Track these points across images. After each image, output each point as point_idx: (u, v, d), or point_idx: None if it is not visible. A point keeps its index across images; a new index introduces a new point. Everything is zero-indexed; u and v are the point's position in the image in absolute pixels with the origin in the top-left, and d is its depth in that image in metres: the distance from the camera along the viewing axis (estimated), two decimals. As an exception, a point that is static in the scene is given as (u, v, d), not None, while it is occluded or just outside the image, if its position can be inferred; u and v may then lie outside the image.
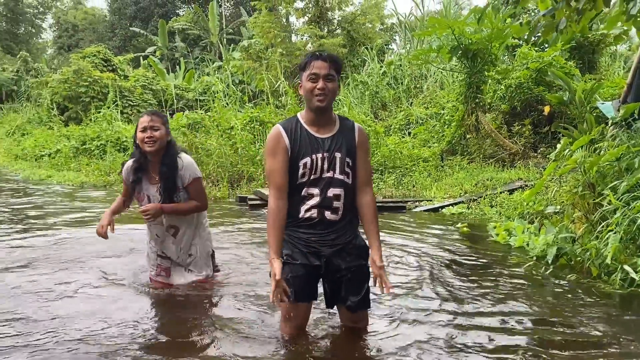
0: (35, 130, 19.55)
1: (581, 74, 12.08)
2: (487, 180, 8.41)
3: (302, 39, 24.74)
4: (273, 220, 2.57)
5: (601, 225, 4.47)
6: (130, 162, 3.71)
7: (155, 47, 34.34)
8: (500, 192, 7.52)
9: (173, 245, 3.80)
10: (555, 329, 3.13)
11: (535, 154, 9.68)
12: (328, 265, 2.66)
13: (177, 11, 40.84)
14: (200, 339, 2.96)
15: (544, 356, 2.70)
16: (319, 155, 2.60)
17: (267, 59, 21.15)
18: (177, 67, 29.84)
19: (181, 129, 11.54)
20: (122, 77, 21.89)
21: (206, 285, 3.86)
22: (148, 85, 21.75)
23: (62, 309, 3.41)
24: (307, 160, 2.59)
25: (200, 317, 3.36)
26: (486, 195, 7.66)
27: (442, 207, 7.72)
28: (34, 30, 48.79)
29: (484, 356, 2.71)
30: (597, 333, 3.06)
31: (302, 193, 2.61)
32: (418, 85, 15.26)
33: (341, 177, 2.62)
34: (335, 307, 2.89)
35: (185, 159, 3.68)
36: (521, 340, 2.92)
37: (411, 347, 2.79)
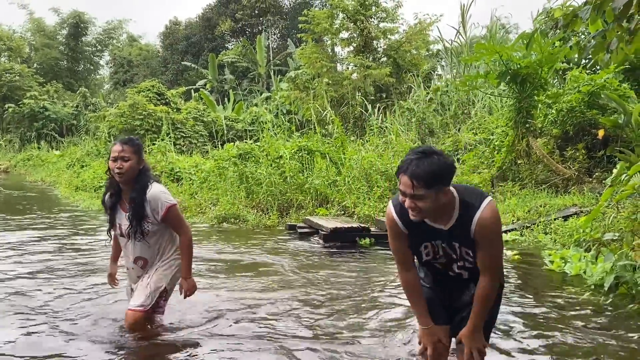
0: (94, 162, 20.48)
1: (637, 96, 11.72)
2: (540, 206, 8.22)
3: (347, 68, 25.12)
4: (409, 293, 2.71)
5: (664, 253, 4.31)
6: (106, 194, 3.69)
7: (206, 80, 35.58)
8: (555, 219, 7.34)
9: (138, 279, 3.69)
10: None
11: (590, 179, 9.40)
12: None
13: (226, 45, 42.27)
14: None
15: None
16: (438, 242, 2.60)
17: (313, 88, 21.55)
18: (226, 98, 30.76)
19: (232, 159, 11.86)
20: (174, 110, 22.75)
21: (130, 320, 3.60)
22: (199, 117, 22.50)
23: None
24: (427, 244, 2.63)
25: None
26: (540, 222, 7.49)
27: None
28: (92, 67, 51.46)
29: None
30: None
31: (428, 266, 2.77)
32: (466, 111, 15.16)
33: (460, 267, 2.64)
34: None
35: (154, 188, 3.54)
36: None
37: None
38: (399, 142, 11.88)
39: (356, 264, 6.33)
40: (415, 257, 2.72)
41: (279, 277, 5.67)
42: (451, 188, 2.47)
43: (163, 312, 3.79)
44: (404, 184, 2.36)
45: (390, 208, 2.60)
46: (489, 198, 2.49)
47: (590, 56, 6.68)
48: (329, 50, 26.06)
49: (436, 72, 21.65)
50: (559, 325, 3.77)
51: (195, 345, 3.63)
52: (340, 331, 3.83)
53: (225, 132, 21.77)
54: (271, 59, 35.50)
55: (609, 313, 4.05)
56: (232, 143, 16.05)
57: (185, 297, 3.66)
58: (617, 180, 5.96)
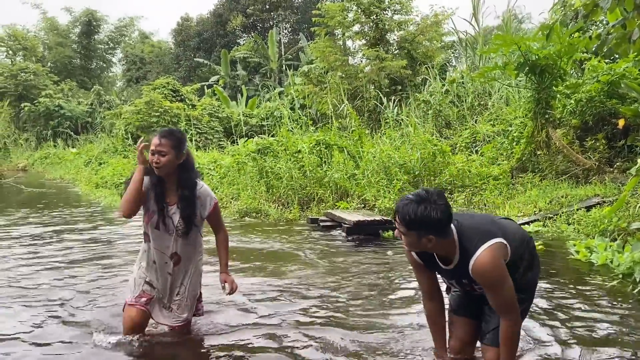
0: (112, 159, 20.72)
1: (658, 83, 11.62)
2: (562, 197, 8.23)
3: (361, 61, 25.10)
4: (430, 322, 2.95)
5: (694, 242, 4.34)
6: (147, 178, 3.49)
7: (218, 76, 35.74)
8: (577, 209, 7.36)
9: (168, 277, 3.57)
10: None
11: (612, 169, 9.38)
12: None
13: (237, 40, 42.36)
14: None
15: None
16: (448, 277, 2.83)
17: (327, 82, 21.58)
18: (239, 94, 30.89)
19: (251, 154, 11.97)
20: (190, 107, 22.92)
21: (184, 331, 3.66)
22: (214, 113, 22.66)
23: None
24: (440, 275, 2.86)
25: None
26: (562, 213, 7.51)
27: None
28: (104, 65, 51.90)
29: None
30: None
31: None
32: (482, 103, 15.11)
33: (481, 289, 2.68)
34: None
35: (201, 184, 3.55)
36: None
37: None
38: (417, 135, 11.90)
39: (381, 254, 6.42)
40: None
41: (307, 265, 5.79)
42: (453, 229, 2.56)
43: (202, 314, 3.86)
44: (398, 233, 2.62)
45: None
46: (490, 242, 2.51)
47: (612, 47, 6.69)
48: (342, 44, 26.06)
49: (451, 64, 21.56)
50: (590, 315, 3.82)
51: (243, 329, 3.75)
52: (373, 320, 3.92)
53: (242, 127, 21.91)
54: (283, 53, 35.54)
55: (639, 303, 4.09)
56: (249, 138, 16.17)
57: (229, 294, 3.67)
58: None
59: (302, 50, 33.57)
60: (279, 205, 10.27)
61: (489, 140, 12.33)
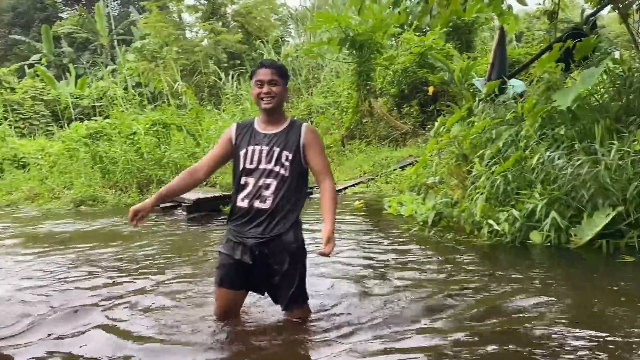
0: None
1: (460, 53, 13.27)
2: (383, 159, 9.20)
3: (197, 35, 24.61)
4: (180, 176, 2.97)
5: (470, 189, 5.27)
6: None
7: (41, 54, 32.43)
8: (394, 169, 8.31)
9: None
10: (434, 274, 3.81)
11: (424, 132, 10.64)
12: (257, 263, 2.83)
13: (60, 15, 38.65)
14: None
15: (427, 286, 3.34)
16: (257, 148, 2.88)
17: (163, 58, 20.90)
18: (67, 73, 28.48)
19: (82, 140, 11.36)
20: (8, 90, 20.67)
21: None
22: (39, 96, 20.71)
23: None
24: (245, 150, 2.89)
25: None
26: (382, 174, 8.42)
27: (345, 188, 8.39)
28: None
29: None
30: (465, 276, 3.78)
31: (241, 182, 2.89)
32: (316, 76, 15.92)
33: (276, 168, 2.82)
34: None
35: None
36: (411, 276, 3.55)
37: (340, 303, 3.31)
38: (253, 109, 12.24)
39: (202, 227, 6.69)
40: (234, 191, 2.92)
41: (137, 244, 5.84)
42: None
43: None
44: (264, 73, 2.81)
45: (235, 123, 3.09)
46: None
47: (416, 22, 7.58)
48: (176, 18, 25.26)
49: (285, 39, 22.14)
50: (402, 258, 4.50)
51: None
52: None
53: (72, 110, 20.37)
54: (113, 28, 33.31)
55: (433, 244, 4.90)
56: (80, 122, 15.19)
57: None
58: (438, 132, 6.97)
59: (134, 24, 31.82)
60: (116, 191, 9.98)
61: (322, 112, 13.14)
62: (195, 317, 3.22)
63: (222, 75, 18.42)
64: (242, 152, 2.87)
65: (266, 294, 3.06)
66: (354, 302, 3.36)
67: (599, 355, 2.40)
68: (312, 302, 3.17)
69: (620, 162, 4.19)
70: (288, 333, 2.93)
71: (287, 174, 2.83)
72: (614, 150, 4.22)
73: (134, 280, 4.24)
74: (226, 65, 21.38)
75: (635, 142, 4.25)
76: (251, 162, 2.85)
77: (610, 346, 2.49)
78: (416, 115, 10.93)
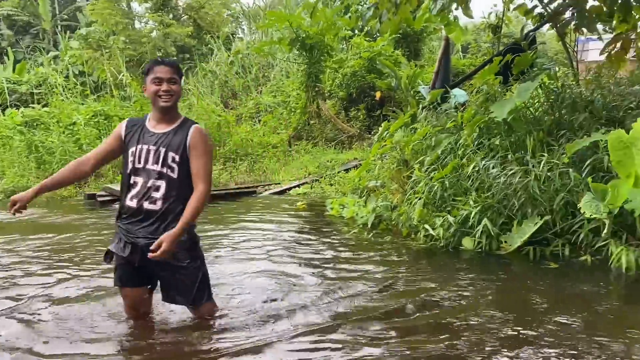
0: None
1: (408, 61, 13.54)
2: (329, 161, 9.26)
3: (146, 26, 23.97)
4: (68, 166, 2.91)
5: (409, 194, 5.39)
6: None
7: (-24, 35, 30.72)
8: (338, 172, 8.39)
9: None
10: (367, 275, 3.87)
11: (370, 136, 10.79)
12: (149, 262, 2.71)
13: (-1, -6, 36.69)
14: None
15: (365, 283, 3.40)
16: (145, 147, 2.81)
17: (109, 47, 20.25)
18: (6, 57, 27.08)
19: (17, 128, 10.83)
20: (-63, 71, 19.44)
21: None
22: (-29, 79, 19.57)
23: None
24: (134, 149, 2.83)
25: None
26: (326, 175, 8.48)
27: (289, 188, 8.39)
28: None
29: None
30: (395, 276, 3.87)
31: (130, 181, 2.82)
32: (266, 74, 15.84)
33: (164, 170, 2.78)
34: None
35: None
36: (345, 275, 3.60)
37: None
38: (201, 105, 12.05)
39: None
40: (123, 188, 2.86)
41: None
42: None
43: None
44: (162, 71, 2.78)
45: (128, 118, 3.02)
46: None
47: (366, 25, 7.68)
48: (125, 6, 24.51)
49: (237, 35, 21.93)
50: (342, 256, 4.55)
51: None
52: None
53: (7, 95, 19.36)
54: (57, 12, 31.98)
55: (371, 245, 4.99)
56: (16, 109, 14.48)
57: None
58: (381, 137, 7.09)
59: (80, 10, 30.66)
60: (52, 182, 9.56)
61: (271, 111, 13.09)
62: (104, 312, 3.23)
63: (170, 68, 18.02)
64: (130, 151, 2.83)
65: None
66: (279, 298, 3.42)
67: (515, 349, 2.53)
68: (238, 299, 3.21)
69: (549, 174, 4.40)
70: (194, 329, 2.95)
71: (175, 176, 2.79)
72: (543, 161, 4.43)
73: (53, 273, 4.18)
74: (175, 58, 20.94)
75: (564, 155, 4.48)
76: (139, 162, 2.80)
77: (526, 340, 2.66)
78: (363, 119, 11.09)
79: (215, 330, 2.93)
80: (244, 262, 4.39)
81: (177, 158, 2.79)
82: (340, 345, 2.68)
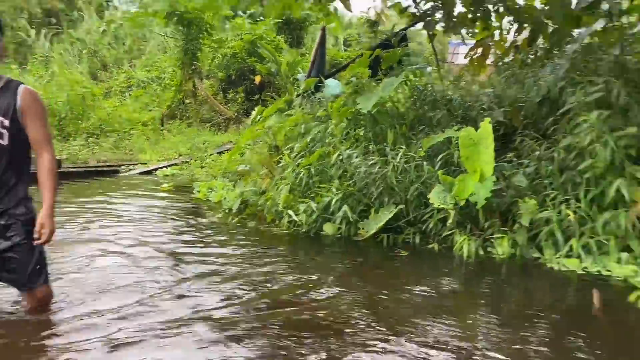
0: None
1: (290, 47, 13.57)
2: (202, 143, 9.00)
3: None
4: None
5: (276, 179, 5.39)
6: None
7: None
8: (211, 154, 8.18)
9: None
10: (226, 264, 3.80)
11: (247, 119, 10.68)
12: None
13: None
14: None
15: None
16: None
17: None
18: None
19: None
20: None
21: None
22: None
23: None
24: None
25: None
26: (198, 157, 8.23)
27: (156, 169, 8.02)
28: None
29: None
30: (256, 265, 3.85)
31: None
32: (141, 47, 14.99)
33: None
34: None
35: None
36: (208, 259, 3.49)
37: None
38: (65, 75, 11.08)
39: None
40: None
41: None
42: None
43: None
44: None
45: None
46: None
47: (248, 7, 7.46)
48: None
49: (112, 3, 20.50)
50: (192, 238, 4.41)
51: None
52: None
53: None
54: None
55: (231, 230, 4.92)
56: None
57: None
58: (254, 121, 7.03)
59: None
60: None
61: (144, 86, 12.42)
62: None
63: (33, 33, 16.38)
64: None
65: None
66: (119, 284, 3.23)
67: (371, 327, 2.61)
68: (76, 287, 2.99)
69: (405, 166, 4.62)
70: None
71: (5, 143, 2.50)
72: (400, 153, 4.64)
73: None
74: (40, 22, 19.08)
75: (420, 149, 4.73)
76: None
77: (376, 319, 2.74)
78: (241, 102, 10.93)
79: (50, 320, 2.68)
80: (90, 244, 4.11)
81: (6, 122, 2.48)
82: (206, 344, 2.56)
